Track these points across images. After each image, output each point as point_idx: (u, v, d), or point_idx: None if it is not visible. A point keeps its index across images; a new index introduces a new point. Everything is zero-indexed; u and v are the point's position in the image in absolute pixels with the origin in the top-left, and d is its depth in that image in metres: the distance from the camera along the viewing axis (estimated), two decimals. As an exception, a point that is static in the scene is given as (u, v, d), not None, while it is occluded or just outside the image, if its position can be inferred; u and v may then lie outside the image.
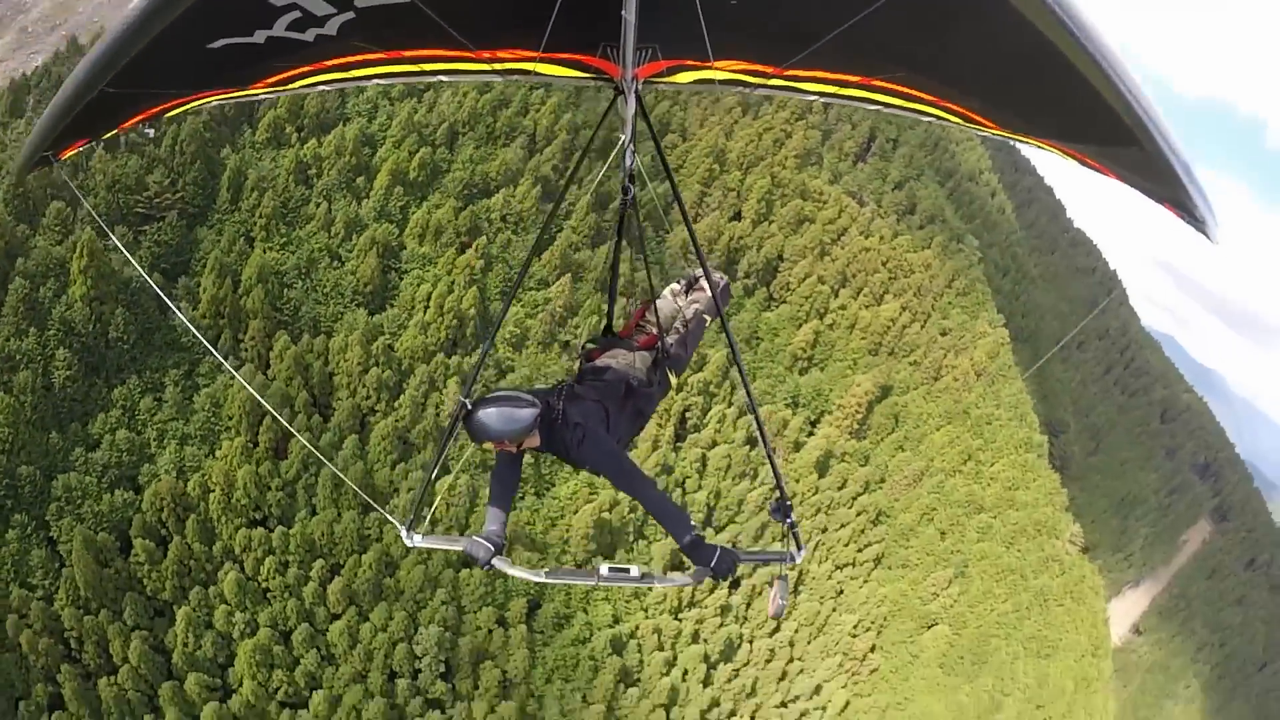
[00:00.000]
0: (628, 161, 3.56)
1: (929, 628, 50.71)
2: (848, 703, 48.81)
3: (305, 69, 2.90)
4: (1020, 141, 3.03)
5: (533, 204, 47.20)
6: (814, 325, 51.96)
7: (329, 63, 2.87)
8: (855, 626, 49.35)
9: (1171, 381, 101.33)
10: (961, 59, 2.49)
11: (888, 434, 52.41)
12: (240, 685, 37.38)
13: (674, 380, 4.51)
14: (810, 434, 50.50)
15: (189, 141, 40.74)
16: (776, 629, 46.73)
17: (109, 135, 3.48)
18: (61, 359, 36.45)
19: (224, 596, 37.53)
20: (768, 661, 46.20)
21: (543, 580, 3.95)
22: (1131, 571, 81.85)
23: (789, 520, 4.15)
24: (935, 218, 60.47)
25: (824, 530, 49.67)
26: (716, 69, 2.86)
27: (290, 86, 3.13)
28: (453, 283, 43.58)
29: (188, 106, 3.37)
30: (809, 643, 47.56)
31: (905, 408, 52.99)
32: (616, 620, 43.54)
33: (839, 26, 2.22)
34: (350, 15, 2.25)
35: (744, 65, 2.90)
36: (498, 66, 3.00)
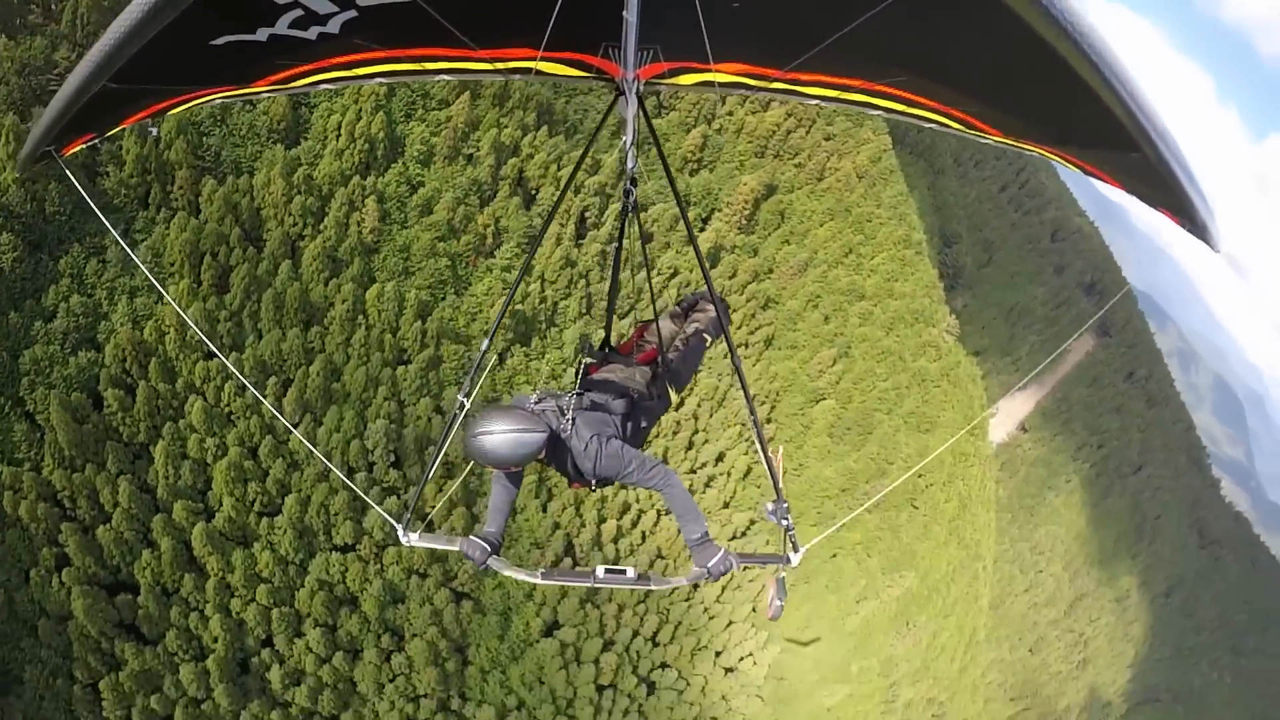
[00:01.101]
0: (629, 163, 4.07)
1: (817, 402, 62.30)
2: (749, 468, 59.49)
3: (308, 67, 3.26)
4: (1021, 148, 3.35)
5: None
6: (702, 130, 60.68)
7: (331, 61, 3.21)
8: (752, 400, 62.52)
9: (1065, 205, 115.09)
10: (963, 65, 2.75)
11: (774, 229, 62.11)
12: (221, 504, 44.27)
13: (674, 397, 5.11)
14: (702, 229, 59.99)
15: (88, 13, 43.62)
16: (680, 404, 56.75)
17: (112, 131, 3.87)
18: (6, 242, 40.67)
19: (193, 426, 43.59)
20: (674, 433, 56.76)
21: (538, 581, 4.61)
22: (1018, 375, 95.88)
23: (786, 523, 4.71)
24: (821, 29, 72.19)
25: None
26: (718, 71, 3.19)
27: (292, 85, 3.51)
28: (360, 110, 49.84)
29: (191, 104, 3.77)
30: (710, 415, 57.79)
31: (790, 205, 62.68)
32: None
33: (841, 30, 2.46)
34: (353, 13, 2.52)
35: (746, 68, 3.23)
36: (500, 65, 3.34)
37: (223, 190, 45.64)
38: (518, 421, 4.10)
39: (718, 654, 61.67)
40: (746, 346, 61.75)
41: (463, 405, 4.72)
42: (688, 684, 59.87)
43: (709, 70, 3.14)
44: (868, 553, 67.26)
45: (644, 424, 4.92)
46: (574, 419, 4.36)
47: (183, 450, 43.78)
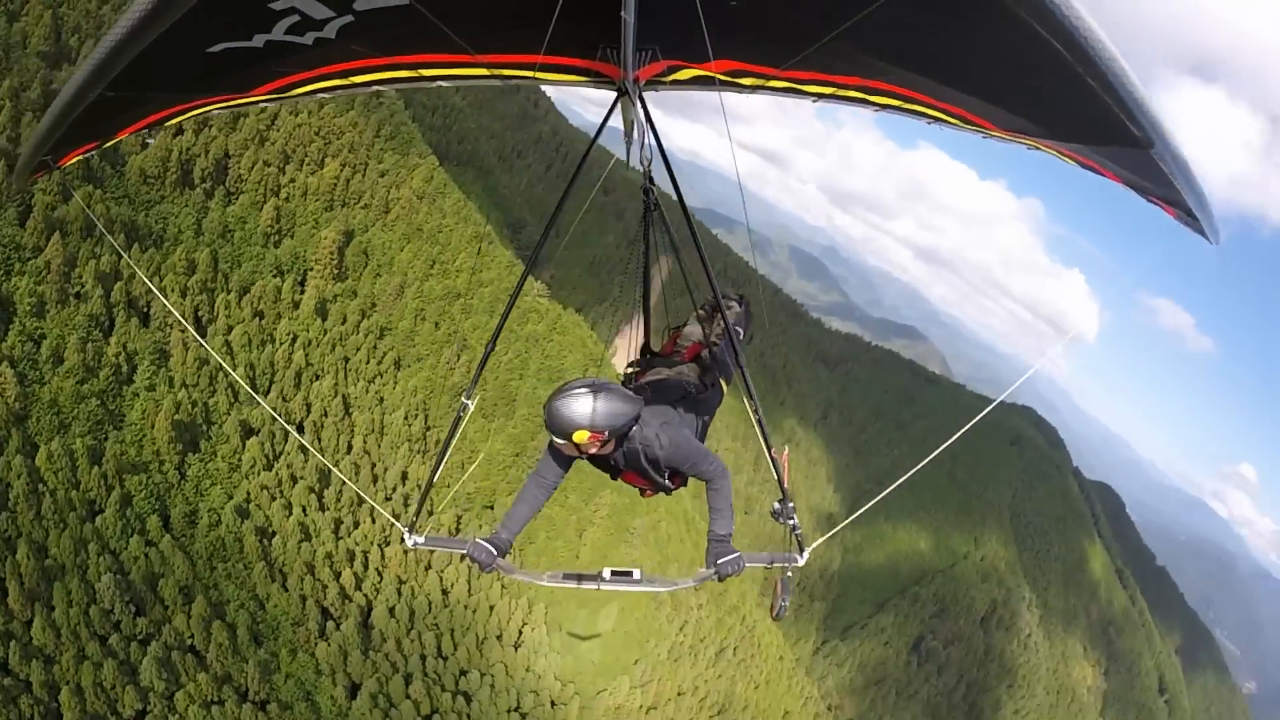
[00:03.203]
0: (640, 166, 4.67)
1: (459, 395, 74.51)
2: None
3: (305, 74, 3.80)
4: (1019, 143, 3.87)
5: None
6: (273, 203, 75.71)
7: (328, 68, 3.75)
8: (405, 417, 75.38)
9: (605, 162, 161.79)
10: (961, 62, 3.21)
11: (363, 268, 78.74)
12: (-5, 737, 45.14)
13: (725, 388, 6.03)
14: (302, 291, 74.48)
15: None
16: (349, 449, 71.04)
17: (110, 142, 4.45)
18: None
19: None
20: (357, 474, 71.12)
21: (545, 584, 5.30)
22: (620, 313, 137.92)
23: (792, 523, 5.45)
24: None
25: (346, 360, 74.32)
26: (716, 70, 3.69)
27: (291, 93, 4.05)
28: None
29: (190, 113, 4.31)
30: (379, 445, 73.08)
31: (370, 243, 80.00)
32: (230, 496, 63.75)
33: (838, 28, 2.89)
34: (349, 19, 2.90)
35: (744, 66, 3.73)
36: (498, 71, 3.86)
37: None
38: (618, 389, 4.75)
39: (499, 637, 75.96)
40: (380, 374, 78.03)
41: (466, 408, 5.43)
42: (493, 676, 73.23)
43: (707, 69, 3.65)
44: (563, 502, 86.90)
45: (705, 416, 5.83)
46: (641, 413, 4.87)
47: (-69, 706, 44.73)
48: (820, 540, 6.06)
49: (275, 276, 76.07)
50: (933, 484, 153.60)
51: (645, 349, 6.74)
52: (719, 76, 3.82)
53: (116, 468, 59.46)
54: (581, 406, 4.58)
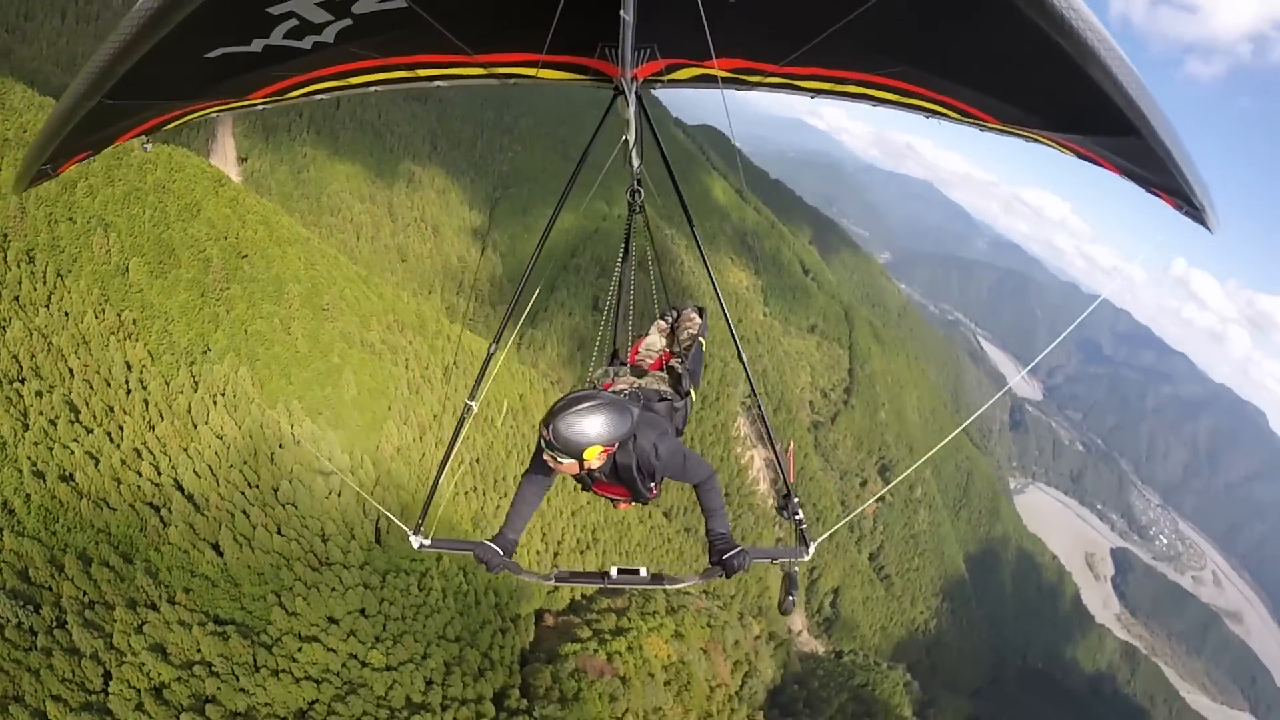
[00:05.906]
0: (634, 165, 4.99)
1: (170, 276, 77.65)
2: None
3: (303, 77, 4.00)
4: (1018, 135, 4.09)
5: None
6: None
7: (327, 70, 3.96)
8: (95, 315, 76.12)
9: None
10: (960, 55, 3.36)
11: None
12: None
13: (693, 396, 6.51)
14: None
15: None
16: (71, 374, 71.65)
17: (108, 148, 4.67)
18: None
19: None
20: (91, 388, 72.16)
21: (553, 583, 5.66)
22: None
23: (797, 517, 5.80)
24: None
25: (17, 299, 71.77)
26: (715, 67, 3.94)
27: (289, 96, 4.33)
28: None
29: (187, 118, 4.57)
30: (90, 353, 74.24)
31: None
32: (19, 470, 63.98)
33: (836, 23, 3.06)
34: (348, 22, 3.07)
35: (742, 63, 3.96)
36: (497, 71, 4.12)
37: None
38: (616, 399, 4.94)
39: (281, 446, 79.69)
40: (52, 294, 78.28)
41: (469, 408, 5.67)
42: (300, 479, 78.65)
43: (706, 66, 3.90)
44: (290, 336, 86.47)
45: (680, 426, 6.27)
46: (638, 422, 5.16)
47: None
48: (825, 535, 6.44)
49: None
50: (552, 171, 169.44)
51: (614, 356, 7.11)
52: (718, 74, 4.13)
53: (-83, 510, 57.66)
54: (594, 424, 4.81)
